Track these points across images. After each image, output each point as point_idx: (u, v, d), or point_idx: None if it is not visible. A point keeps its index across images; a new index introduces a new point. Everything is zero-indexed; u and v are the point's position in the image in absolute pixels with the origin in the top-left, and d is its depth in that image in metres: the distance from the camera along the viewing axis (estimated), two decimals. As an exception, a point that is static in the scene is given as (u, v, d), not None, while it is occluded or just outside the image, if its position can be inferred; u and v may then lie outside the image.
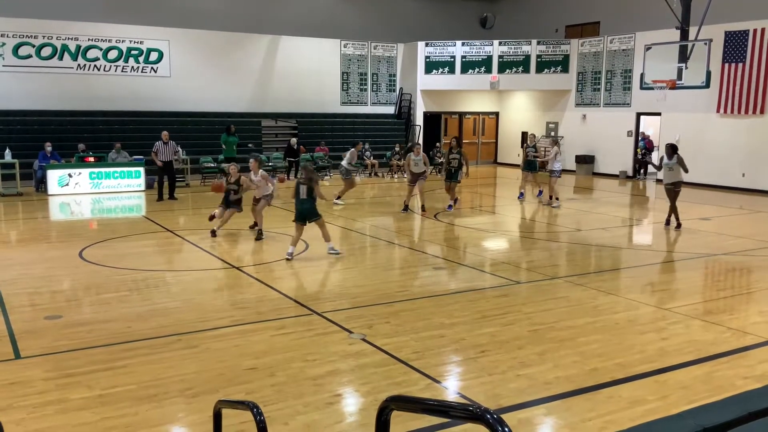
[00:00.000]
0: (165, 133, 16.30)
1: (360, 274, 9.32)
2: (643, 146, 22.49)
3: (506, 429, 1.67)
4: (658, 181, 21.33)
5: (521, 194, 17.11)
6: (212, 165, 20.41)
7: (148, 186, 17.72)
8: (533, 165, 16.89)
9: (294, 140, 21.57)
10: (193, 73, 22.19)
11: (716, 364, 5.96)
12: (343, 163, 16.30)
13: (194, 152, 20.17)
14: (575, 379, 5.52)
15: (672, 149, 12.61)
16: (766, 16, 18.29)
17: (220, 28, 22.66)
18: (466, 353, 6.17)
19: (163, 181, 16.20)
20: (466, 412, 1.81)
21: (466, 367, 5.95)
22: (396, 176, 22.57)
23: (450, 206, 15.00)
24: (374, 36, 25.66)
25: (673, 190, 12.67)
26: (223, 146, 19.16)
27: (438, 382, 5.48)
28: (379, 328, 6.79)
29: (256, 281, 8.71)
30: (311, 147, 22.49)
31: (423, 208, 14.53)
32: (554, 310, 7.53)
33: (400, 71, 26.04)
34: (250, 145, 21.09)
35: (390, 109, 26.06)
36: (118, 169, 17.82)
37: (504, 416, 4.85)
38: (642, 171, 22.80)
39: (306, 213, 10.09)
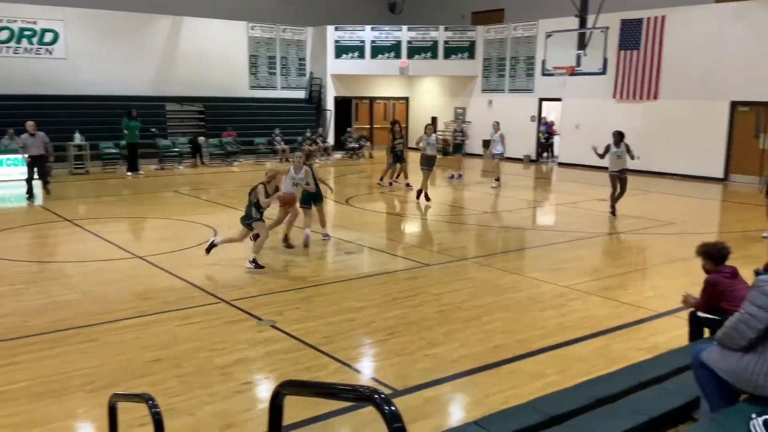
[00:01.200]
0: (30, 123, 14.25)
1: (270, 261, 9.22)
2: (545, 131, 23.31)
3: (392, 408, 1.70)
4: (561, 164, 22.22)
5: (452, 176, 18.10)
6: (114, 151, 19.60)
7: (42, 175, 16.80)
8: (460, 147, 19.13)
9: (202, 139, 21.04)
10: (91, 55, 21.12)
11: (611, 337, 6.29)
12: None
13: (94, 138, 19.28)
14: (480, 357, 5.69)
15: (620, 136, 12.53)
16: (659, 6, 19.26)
17: (119, 7, 21.65)
18: (376, 336, 6.24)
19: (32, 177, 14.13)
20: (356, 393, 1.84)
21: (375, 349, 6.02)
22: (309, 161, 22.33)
23: (408, 185, 15.84)
24: (283, 19, 25.27)
25: (619, 177, 12.53)
26: (125, 131, 18.40)
27: (348, 365, 5.52)
28: (288, 314, 6.76)
29: (161, 271, 8.46)
30: (218, 132, 21.96)
31: (427, 196, 14.17)
32: (461, 291, 7.72)
33: (309, 55, 25.79)
34: (153, 129, 20.37)
35: (300, 94, 25.80)
36: (11, 156, 16.80)
37: (411, 395, 4.98)
38: (545, 154, 23.64)
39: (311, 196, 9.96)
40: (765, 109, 17.62)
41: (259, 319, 6.57)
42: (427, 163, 14.57)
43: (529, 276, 8.51)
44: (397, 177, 16.69)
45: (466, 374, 5.35)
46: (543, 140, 23.42)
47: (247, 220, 8.76)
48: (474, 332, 6.34)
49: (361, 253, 9.88)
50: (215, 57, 23.40)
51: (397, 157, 16.05)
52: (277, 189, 8.87)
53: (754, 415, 2.69)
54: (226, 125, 22.22)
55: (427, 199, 14.08)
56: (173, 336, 6.13)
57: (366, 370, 5.56)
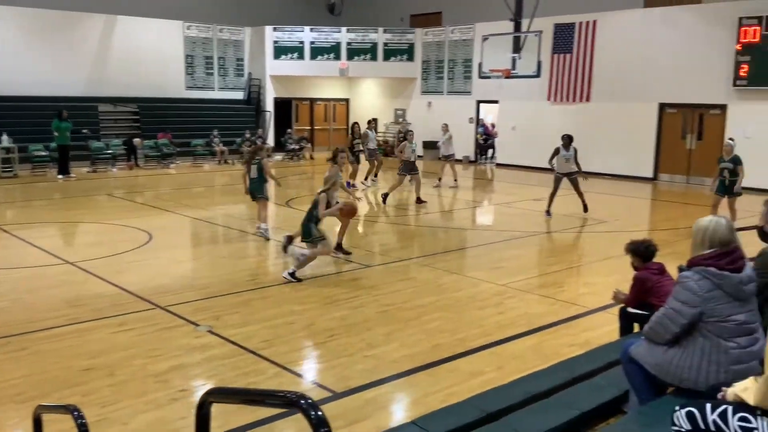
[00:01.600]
0: None
1: (208, 265, 9.08)
2: (483, 132, 23.66)
3: (319, 413, 1.71)
4: (499, 165, 22.62)
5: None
6: (44, 153, 18.90)
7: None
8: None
9: (138, 140, 20.53)
10: (17, 54, 20.28)
11: (546, 334, 6.44)
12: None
13: (23, 140, 18.54)
14: (420, 356, 5.74)
15: (569, 139, 12.62)
16: (591, 10, 19.85)
17: (48, 5, 20.88)
18: (316, 338, 6.21)
19: None
20: (283, 399, 1.83)
21: (315, 352, 6.00)
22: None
23: (350, 183, 15.40)
24: (220, 19, 24.88)
25: (568, 178, 12.64)
26: (55, 133, 17.75)
27: (287, 369, 5.48)
28: (227, 318, 6.66)
29: (94, 277, 8.20)
30: (154, 133, 21.45)
31: (419, 200, 14.23)
32: (402, 291, 7.77)
33: (248, 56, 25.48)
34: (85, 131, 19.75)
35: (239, 95, 25.46)
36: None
37: (351, 397, 4.98)
38: (483, 156, 24.03)
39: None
40: (691, 111, 18.38)
41: (196, 325, 6.45)
42: (408, 169, 14.51)
43: (469, 275, 8.63)
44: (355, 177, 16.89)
45: (406, 374, 5.39)
46: (481, 141, 23.79)
47: (309, 239, 8.18)
48: (414, 332, 6.38)
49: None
50: (150, 57, 22.85)
51: (356, 158, 16.61)
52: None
53: (677, 407, 2.80)
54: (161, 126, 21.73)
55: (419, 201, 14.23)
56: (107, 344, 5.96)
57: (306, 374, 5.53)
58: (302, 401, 1.72)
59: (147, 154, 20.98)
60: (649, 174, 19.18)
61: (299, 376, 5.45)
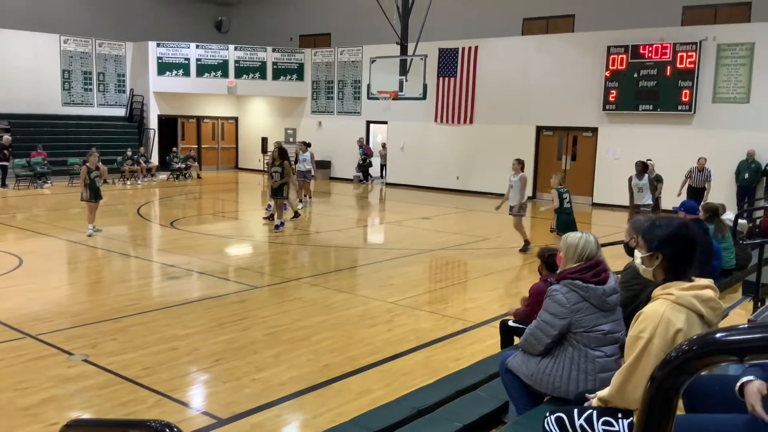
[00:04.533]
0: None
1: (84, 290, 8.61)
2: (362, 153, 23.78)
3: (183, 441, 1.66)
4: (389, 184, 22.98)
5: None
6: None
7: None
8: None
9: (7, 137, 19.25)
10: None
11: (433, 349, 6.58)
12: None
13: None
14: (308, 377, 5.70)
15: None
16: (473, 36, 20.70)
17: None
18: (200, 363, 6.03)
19: None
20: (147, 428, 1.77)
21: (200, 377, 5.81)
22: (129, 182, 21.21)
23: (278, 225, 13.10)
24: (99, 33, 23.85)
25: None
26: None
27: (169, 397, 5.27)
28: (103, 346, 6.32)
29: (-45, 306, 7.57)
30: (27, 151, 20.16)
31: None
32: (290, 312, 7.69)
33: (130, 71, 24.56)
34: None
35: (120, 111, 24.44)
36: None
37: (237, 422, 4.86)
38: (364, 176, 23.94)
39: None
40: (566, 133, 19.50)
41: (70, 354, 6.08)
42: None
43: (359, 293, 8.68)
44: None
45: (294, 396, 5.33)
46: (361, 161, 23.76)
47: None
48: (303, 353, 6.33)
49: (186, 277, 9.52)
50: (23, 71, 21.56)
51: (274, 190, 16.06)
52: None
53: (547, 413, 2.95)
54: (35, 144, 20.46)
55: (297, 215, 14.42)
56: (-33, 379, 5.50)
57: (190, 401, 5.34)
58: (167, 430, 1.67)
59: (18, 173, 19.66)
60: (529, 193, 20.10)
61: (182, 404, 5.26)
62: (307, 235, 13.38)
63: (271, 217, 13.88)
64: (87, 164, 12.03)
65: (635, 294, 4.32)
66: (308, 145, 17.04)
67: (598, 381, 3.38)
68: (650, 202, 11.86)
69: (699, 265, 5.18)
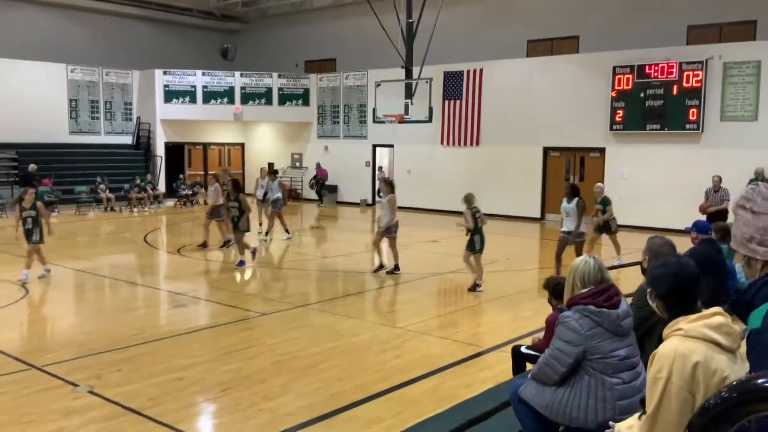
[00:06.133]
0: None
1: (89, 319, 8.53)
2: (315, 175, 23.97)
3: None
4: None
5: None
6: None
7: None
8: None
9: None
10: None
11: (443, 375, 6.45)
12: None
13: None
14: (316, 407, 5.58)
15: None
16: (478, 59, 20.75)
17: None
18: (207, 394, 5.92)
19: None
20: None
21: (207, 408, 5.71)
22: (136, 210, 21.24)
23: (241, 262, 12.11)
24: (106, 62, 24.06)
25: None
26: None
27: (175, 429, 5.16)
28: (109, 377, 6.23)
29: (-40, 337, 7.50)
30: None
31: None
32: (298, 339, 7.59)
33: (136, 99, 24.71)
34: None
35: (127, 139, 24.55)
36: None
37: (243, 455, 4.71)
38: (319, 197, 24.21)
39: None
40: (573, 153, 19.43)
41: (75, 385, 5.99)
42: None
43: (368, 319, 8.58)
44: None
45: (303, 426, 5.21)
46: (311, 183, 23.91)
47: None
48: (311, 381, 6.21)
49: (193, 305, 9.44)
50: (31, 101, 21.70)
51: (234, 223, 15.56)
52: None
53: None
54: (45, 173, 20.54)
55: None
56: (-29, 412, 5.41)
57: (196, 432, 5.24)
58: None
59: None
60: (537, 214, 20.00)
61: (188, 435, 5.15)
62: (313, 260, 13.28)
63: (204, 245, 13.81)
64: (22, 203, 10.58)
65: (647, 316, 4.19)
66: (275, 173, 16.41)
67: (617, 409, 3.25)
68: (572, 228, 10.90)
69: (712, 288, 5.05)
